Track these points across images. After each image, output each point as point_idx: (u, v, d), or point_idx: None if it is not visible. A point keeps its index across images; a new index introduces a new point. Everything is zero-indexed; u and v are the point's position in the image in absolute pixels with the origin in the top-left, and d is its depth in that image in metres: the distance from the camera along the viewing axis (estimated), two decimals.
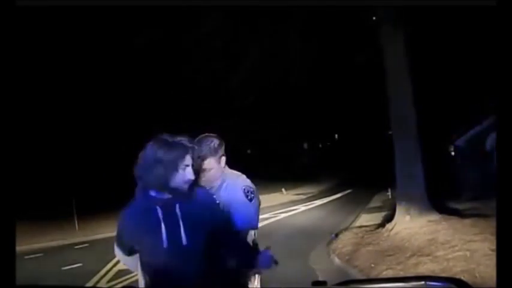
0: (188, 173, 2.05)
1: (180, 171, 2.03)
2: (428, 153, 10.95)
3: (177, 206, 2.04)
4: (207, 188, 2.33)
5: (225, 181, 2.48)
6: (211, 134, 2.54)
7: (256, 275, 2.46)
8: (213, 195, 2.27)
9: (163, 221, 2.03)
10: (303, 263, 7.86)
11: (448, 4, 8.94)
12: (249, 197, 2.42)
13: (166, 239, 2.01)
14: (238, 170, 2.64)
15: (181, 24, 11.50)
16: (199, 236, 2.03)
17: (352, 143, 43.05)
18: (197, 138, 2.43)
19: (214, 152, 2.46)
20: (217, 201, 2.24)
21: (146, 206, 2.07)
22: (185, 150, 2.04)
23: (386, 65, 9.69)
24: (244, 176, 2.58)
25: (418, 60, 11.22)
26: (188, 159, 2.05)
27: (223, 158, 2.53)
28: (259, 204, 2.54)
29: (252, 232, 2.45)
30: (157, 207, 2.05)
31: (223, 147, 2.53)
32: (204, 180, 2.40)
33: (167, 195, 2.06)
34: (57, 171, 19.82)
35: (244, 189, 2.44)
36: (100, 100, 19.40)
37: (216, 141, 2.50)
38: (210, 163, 2.45)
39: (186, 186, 2.06)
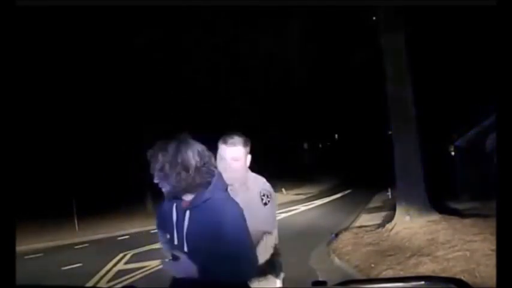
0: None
1: None
2: (428, 153, 10.95)
3: (188, 211, 1.96)
4: (226, 189, 2.11)
5: (245, 184, 2.39)
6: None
7: (279, 276, 2.40)
8: (233, 205, 1.99)
9: (176, 222, 2.01)
10: (303, 263, 7.85)
11: (448, 4, 8.96)
12: (264, 201, 2.36)
13: (177, 241, 2.00)
14: None
15: (181, 24, 11.51)
16: (199, 248, 1.91)
17: (352, 143, 43.06)
18: (223, 136, 2.38)
19: (244, 144, 2.38)
20: (235, 214, 1.95)
21: (171, 202, 2.05)
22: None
23: (386, 65, 9.70)
24: (264, 180, 2.50)
25: (418, 60, 11.23)
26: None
27: (249, 157, 2.44)
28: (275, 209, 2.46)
29: (268, 237, 2.36)
30: (174, 207, 2.03)
31: (249, 145, 2.45)
32: (230, 173, 2.26)
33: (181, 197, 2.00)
34: (57, 172, 19.82)
35: (260, 193, 2.38)
36: (100, 100, 19.38)
37: (244, 136, 2.43)
38: (240, 152, 2.34)
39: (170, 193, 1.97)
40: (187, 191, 1.93)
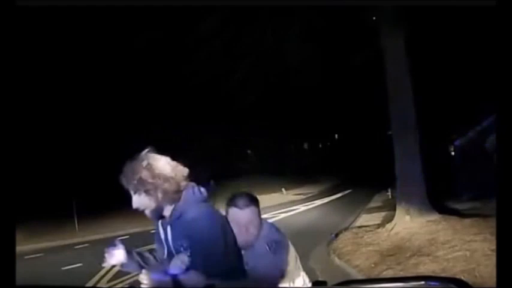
0: None
1: None
2: (428, 153, 10.95)
3: (169, 226, 1.95)
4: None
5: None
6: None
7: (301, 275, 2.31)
8: (210, 219, 1.91)
9: (164, 239, 2.00)
10: (303, 263, 7.84)
11: (448, 4, 8.94)
12: (272, 248, 2.14)
13: (166, 257, 2.00)
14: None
15: (181, 24, 11.50)
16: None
17: (352, 143, 43.05)
18: (232, 199, 2.19)
19: (257, 203, 2.18)
20: (210, 228, 1.88)
21: (158, 222, 2.08)
22: None
23: (386, 65, 9.69)
24: (273, 227, 2.28)
25: (418, 60, 11.22)
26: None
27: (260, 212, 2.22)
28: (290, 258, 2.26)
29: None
30: (160, 225, 2.02)
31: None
32: (247, 237, 2.10)
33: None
34: (57, 173, 19.82)
35: (266, 242, 2.16)
36: (100, 101, 19.40)
37: (252, 194, 2.23)
38: (255, 213, 2.15)
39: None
40: (163, 204, 1.91)
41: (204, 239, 1.83)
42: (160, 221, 1.99)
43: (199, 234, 1.83)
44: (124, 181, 1.91)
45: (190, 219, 1.86)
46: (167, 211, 1.94)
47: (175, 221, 1.90)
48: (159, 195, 1.86)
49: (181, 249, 1.86)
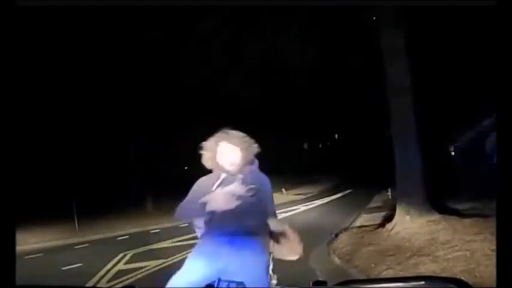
0: None
1: None
2: (428, 153, 10.94)
3: (240, 175, 2.48)
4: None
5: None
6: None
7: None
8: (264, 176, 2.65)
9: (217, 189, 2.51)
10: (303, 263, 7.85)
11: (448, 4, 8.96)
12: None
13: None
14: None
15: (181, 24, 11.51)
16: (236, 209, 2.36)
17: (352, 143, 43.04)
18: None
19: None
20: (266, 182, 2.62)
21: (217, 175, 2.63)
22: None
23: (386, 65, 9.69)
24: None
25: (418, 60, 11.23)
26: None
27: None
28: None
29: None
30: (221, 178, 2.53)
31: None
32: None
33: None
34: (58, 173, 19.82)
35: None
36: (100, 101, 19.38)
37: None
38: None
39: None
40: (246, 164, 2.55)
41: (265, 184, 2.58)
42: (222, 176, 2.49)
43: (263, 180, 2.60)
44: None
45: (258, 172, 2.62)
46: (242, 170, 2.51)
47: (248, 173, 2.51)
48: (249, 156, 2.55)
49: (251, 191, 2.41)
